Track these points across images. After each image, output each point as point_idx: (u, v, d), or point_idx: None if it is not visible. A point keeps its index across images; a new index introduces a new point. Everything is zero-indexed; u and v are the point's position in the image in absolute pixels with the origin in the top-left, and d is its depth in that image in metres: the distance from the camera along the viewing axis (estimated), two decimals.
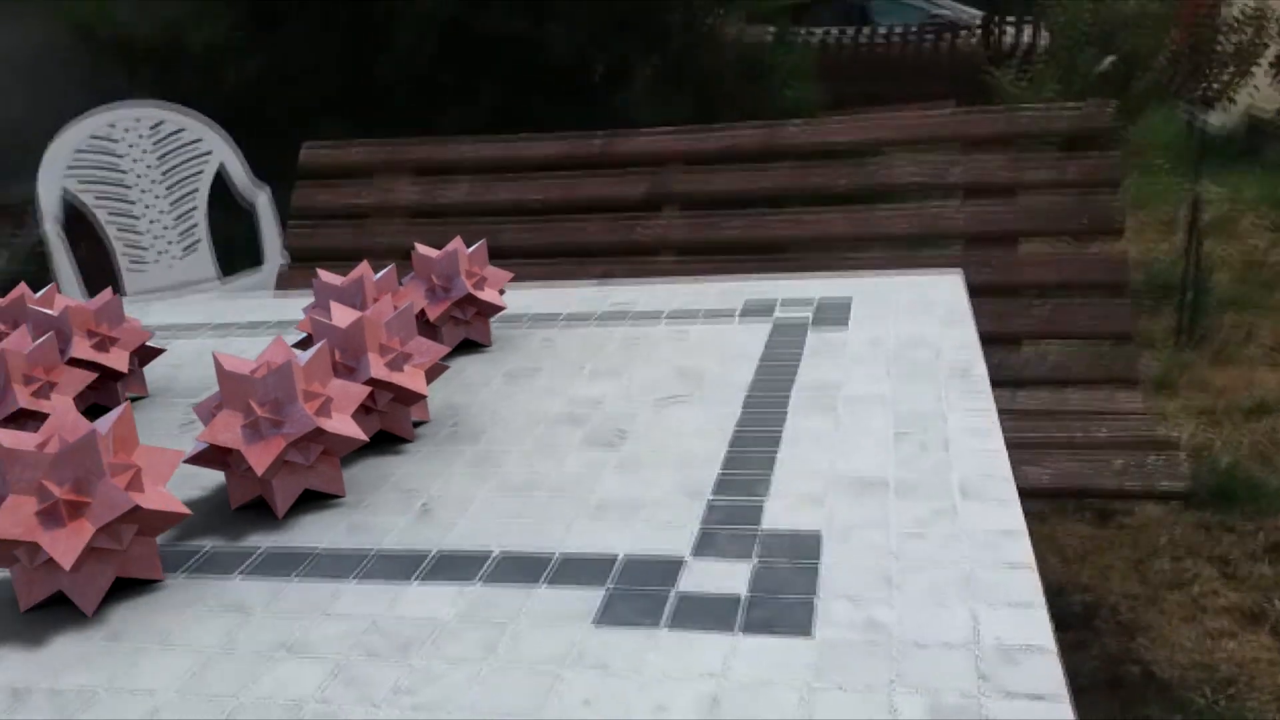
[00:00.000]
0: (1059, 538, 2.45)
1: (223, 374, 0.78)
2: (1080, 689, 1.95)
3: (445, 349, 0.95)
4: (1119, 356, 2.00)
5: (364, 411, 0.89)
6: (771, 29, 5.15)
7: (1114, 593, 2.24)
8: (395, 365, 0.89)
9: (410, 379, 0.89)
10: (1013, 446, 1.81)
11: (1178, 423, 3.00)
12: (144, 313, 1.50)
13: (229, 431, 0.77)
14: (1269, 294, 4.05)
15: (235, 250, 3.63)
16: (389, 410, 0.90)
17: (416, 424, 0.96)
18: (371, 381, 0.87)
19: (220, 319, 1.45)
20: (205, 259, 3.64)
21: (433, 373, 0.95)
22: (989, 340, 2.11)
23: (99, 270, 3.50)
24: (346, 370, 0.87)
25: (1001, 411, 2.04)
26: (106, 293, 1.07)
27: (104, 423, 0.70)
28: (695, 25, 4.55)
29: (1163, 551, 2.39)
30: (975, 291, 2.15)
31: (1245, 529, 2.45)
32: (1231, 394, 3.20)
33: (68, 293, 3.15)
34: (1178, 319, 3.69)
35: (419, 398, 0.91)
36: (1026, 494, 1.90)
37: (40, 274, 3.56)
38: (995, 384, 2.09)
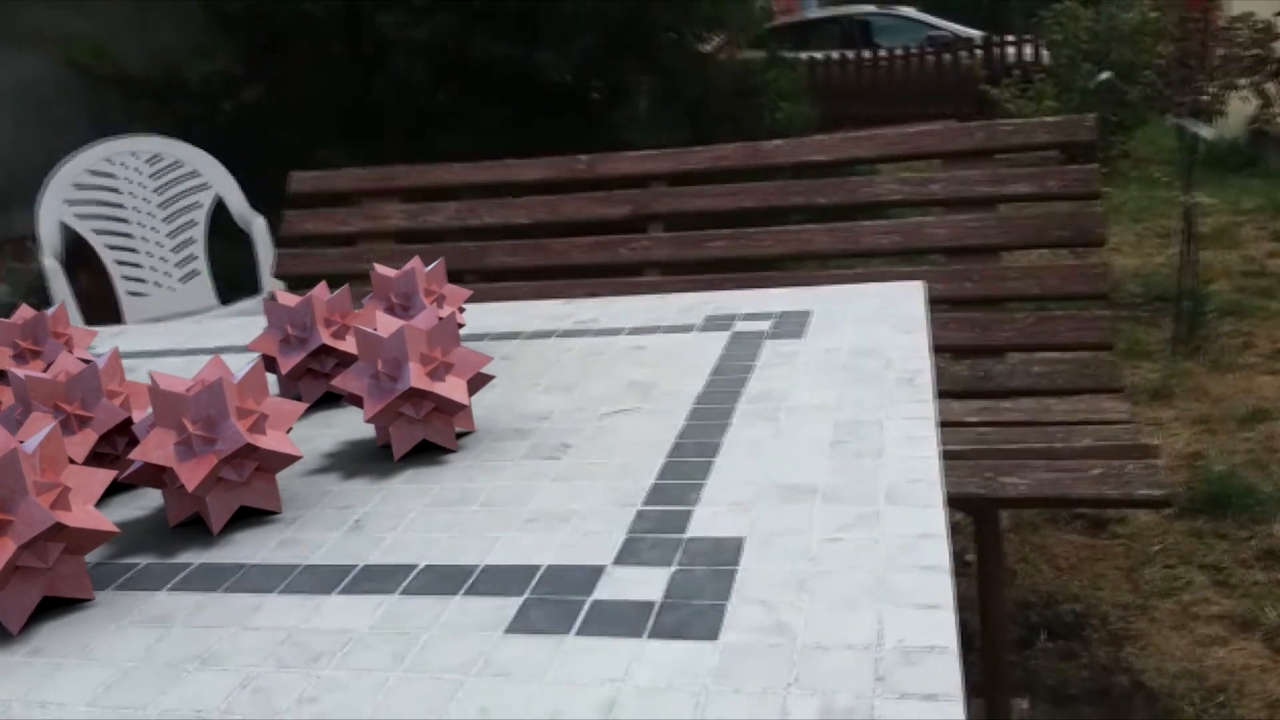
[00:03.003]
0: (1051, 547, 2.44)
1: (156, 392, 0.79)
2: (1069, 698, 1.94)
3: (488, 359, 0.95)
4: (1102, 365, 2.00)
5: (406, 421, 0.90)
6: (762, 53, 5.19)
7: (1105, 601, 2.23)
8: (437, 375, 0.90)
9: (451, 389, 0.90)
10: (994, 456, 1.81)
11: (1173, 431, 2.99)
12: (119, 339, 1.52)
13: (162, 449, 0.78)
14: (1267, 301, 4.04)
15: (239, 276, 3.67)
16: (430, 420, 0.91)
17: (461, 434, 0.96)
18: (412, 391, 0.88)
19: (192, 344, 1.46)
20: (204, 286, 3.67)
21: (476, 383, 0.96)
22: (973, 351, 2.13)
23: (101, 299, 3.53)
24: (389, 380, 0.89)
25: (985, 422, 2.05)
26: (25, 309, 1.10)
27: (31, 442, 0.71)
28: (686, 47, 4.58)
29: (1155, 559, 2.38)
30: (959, 303, 2.17)
31: (1238, 536, 2.43)
32: (1228, 401, 3.18)
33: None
34: (1174, 328, 3.69)
35: (460, 408, 0.92)
36: (1005, 503, 1.90)
37: (42, 305, 3.60)
38: (980, 394, 2.10)
